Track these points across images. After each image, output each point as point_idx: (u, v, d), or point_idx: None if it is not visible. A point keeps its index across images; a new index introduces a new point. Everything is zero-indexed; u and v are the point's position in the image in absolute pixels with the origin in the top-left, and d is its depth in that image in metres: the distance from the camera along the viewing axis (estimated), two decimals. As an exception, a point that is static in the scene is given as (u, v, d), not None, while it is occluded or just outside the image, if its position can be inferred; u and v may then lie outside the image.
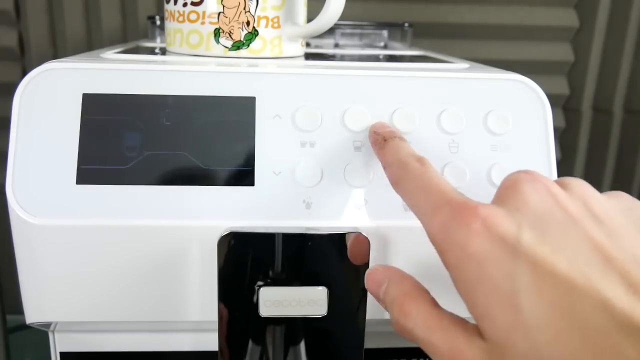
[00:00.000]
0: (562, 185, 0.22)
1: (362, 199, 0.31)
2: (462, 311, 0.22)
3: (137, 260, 0.30)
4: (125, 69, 0.31)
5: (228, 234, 0.29)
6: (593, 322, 0.18)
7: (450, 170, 0.31)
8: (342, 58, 0.46)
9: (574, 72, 0.74)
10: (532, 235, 0.19)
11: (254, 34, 0.36)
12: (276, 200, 0.30)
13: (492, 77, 0.33)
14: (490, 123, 0.32)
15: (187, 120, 0.30)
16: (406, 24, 0.59)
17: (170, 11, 0.37)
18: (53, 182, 0.29)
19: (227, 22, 0.35)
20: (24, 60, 0.68)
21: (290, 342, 0.30)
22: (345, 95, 0.31)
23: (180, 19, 0.36)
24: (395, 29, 0.60)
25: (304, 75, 0.32)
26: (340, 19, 0.35)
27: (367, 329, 0.30)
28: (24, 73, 0.59)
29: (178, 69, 0.31)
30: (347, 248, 0.29)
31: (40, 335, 0.34)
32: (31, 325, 0.32)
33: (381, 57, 0.48)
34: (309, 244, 0.29)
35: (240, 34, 0.36)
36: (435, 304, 0.23)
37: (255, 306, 0.29)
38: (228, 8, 0.35)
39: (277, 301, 0.29)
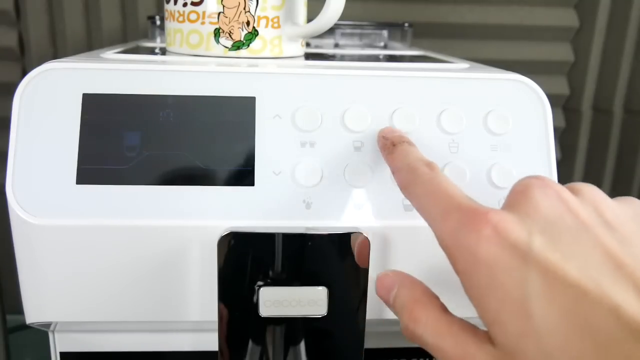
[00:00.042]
0: (573, 191, 0.21)
1: (362, 199, 0.31)
2: (464, 313, 0.22)
3: (137, 260, 0.30)
4: (125, 69, 0.31)
5: (228, 234, 0.29)
6: (604, 328, 0.18)
7: (450, 170, 0.31)
8: (342, 58, 0.46)
9: (574, 72, 0.74)
10: (543, 242, 0.19)
11: (254, 34, 0.36)
12: (276, 200, 0.30)
13: (492, 77, 0.33)
14: (490, 123, 0.32)
15: (187, 120, 0.30)
16: (406, 24, 0.59)
17: (170, 11, 0.37)
18: (53, 182, 0.29)
19: (227, 22, 0.35)
20: (24, 60, 0.68)
21: (290, 342, 0.30)
22: (345, 95, 0.31)
23: (180, 19, 0.36)
24: (395, 29, 0.60)
25: (304, 75, 0.32)
26: (340, 19, 0.35)
27: (367, 329, 0.30)
28: (24, 73, 0.59)
29: (178, 69, 0.31)
30: (348, 248, 0.29)
31: (40, 335, 0.34)
32: (31, 325, 0.32)
33: (381, 57, 0.48)
34: (309, 244, 0.29)
35: (240, 34, 0.36)
36: (445, 310, 0.23)
37: (255, 306, 0.29)
38: (228, 8, 0.35)
39: (277, 301, 0.29)
